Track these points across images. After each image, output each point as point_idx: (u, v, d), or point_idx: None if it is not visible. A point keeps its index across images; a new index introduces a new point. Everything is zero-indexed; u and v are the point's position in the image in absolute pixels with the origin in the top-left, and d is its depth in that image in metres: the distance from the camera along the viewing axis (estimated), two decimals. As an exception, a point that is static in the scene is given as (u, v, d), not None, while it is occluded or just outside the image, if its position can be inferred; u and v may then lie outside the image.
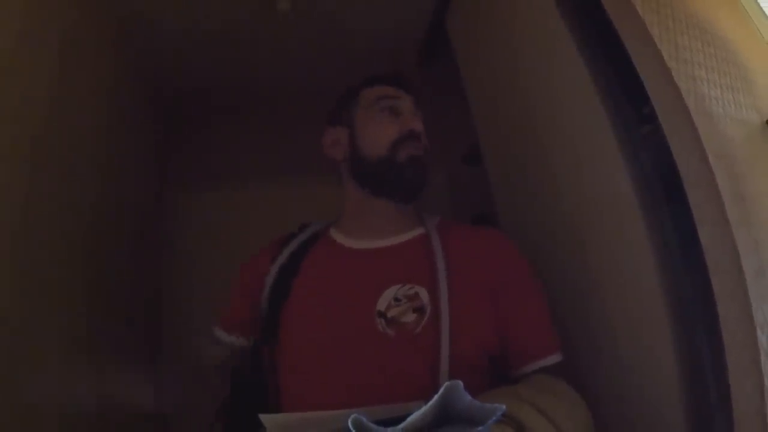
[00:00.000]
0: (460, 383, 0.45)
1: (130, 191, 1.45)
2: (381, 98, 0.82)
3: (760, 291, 0.55)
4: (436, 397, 0.44)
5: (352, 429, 0.42)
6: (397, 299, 0.71)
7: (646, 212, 0.69)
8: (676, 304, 0.65)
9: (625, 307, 0.75)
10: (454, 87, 1.36)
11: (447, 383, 0.45)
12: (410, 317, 0.69)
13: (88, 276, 1.12)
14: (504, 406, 0.44)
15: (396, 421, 0.43)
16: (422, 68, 1.68)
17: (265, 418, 0.52)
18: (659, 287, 0.66)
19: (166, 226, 1.69)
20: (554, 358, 0.70)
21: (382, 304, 0.70)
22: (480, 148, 1.27)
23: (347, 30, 1.54)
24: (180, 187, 1.75)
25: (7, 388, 0.79)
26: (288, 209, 1.14)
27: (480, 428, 0.43)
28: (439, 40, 1.51)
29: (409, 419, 0.43)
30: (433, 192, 0.83)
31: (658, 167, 0.68)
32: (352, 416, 0.42)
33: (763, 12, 0.87)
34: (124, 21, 1.37)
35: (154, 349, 1.54)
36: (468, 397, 0.45)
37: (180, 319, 1.54)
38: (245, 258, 0.88)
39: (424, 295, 0.71)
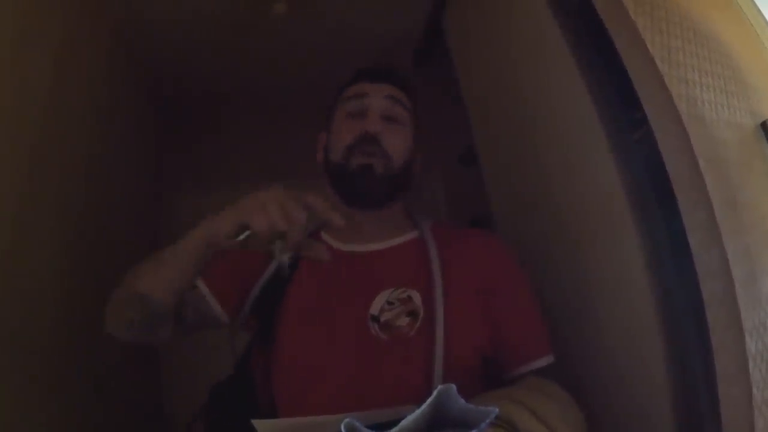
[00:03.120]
0: (453, 387, 0.44)
1: (126, 193, 1.45)
2: (350, 98, 0.78)
3: (750, 297, 0.55)
4: (428, 401, 0.44)
5: None
6: (390, 303, 0.70)
7: (638, 217, 0.68)
8: (667, 309, 0.64)
9: (616, 311, 0.74)
10: (450, 87, 1.35)
11: (439, 387, 0.44)
12: (404, 321, 0.68)
13: (85, 277, 1.12)
14: (497, 409, 0.44)
15: (389, 425, 0.43)
16: (419, 69, 1.68)
17: (257, 423, 0.51)
18: (650, 291, 0.66)
19: (163, 228, 1.68)
20: (547, 360, 0.70)
21: (375, 308, 0.69)
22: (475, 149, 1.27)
23: (343, 31, 1.54)
24: (176, 189, 1.75)
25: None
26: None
27: (473, 431, 0.43)
28: (435, 41, 1.51)
29: (402, 423, 0.43)
30: (429, 192, 0.81)
31: (649, 172, 0.67)
32: (345, 421, 0.42)
33: (761, 13, 0.86)
34: (120, 24, 1.37)
35: (152, 349, 1.53)
36: (461, 401, 0.44)
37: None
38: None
39: (417, 298, 0.70)
